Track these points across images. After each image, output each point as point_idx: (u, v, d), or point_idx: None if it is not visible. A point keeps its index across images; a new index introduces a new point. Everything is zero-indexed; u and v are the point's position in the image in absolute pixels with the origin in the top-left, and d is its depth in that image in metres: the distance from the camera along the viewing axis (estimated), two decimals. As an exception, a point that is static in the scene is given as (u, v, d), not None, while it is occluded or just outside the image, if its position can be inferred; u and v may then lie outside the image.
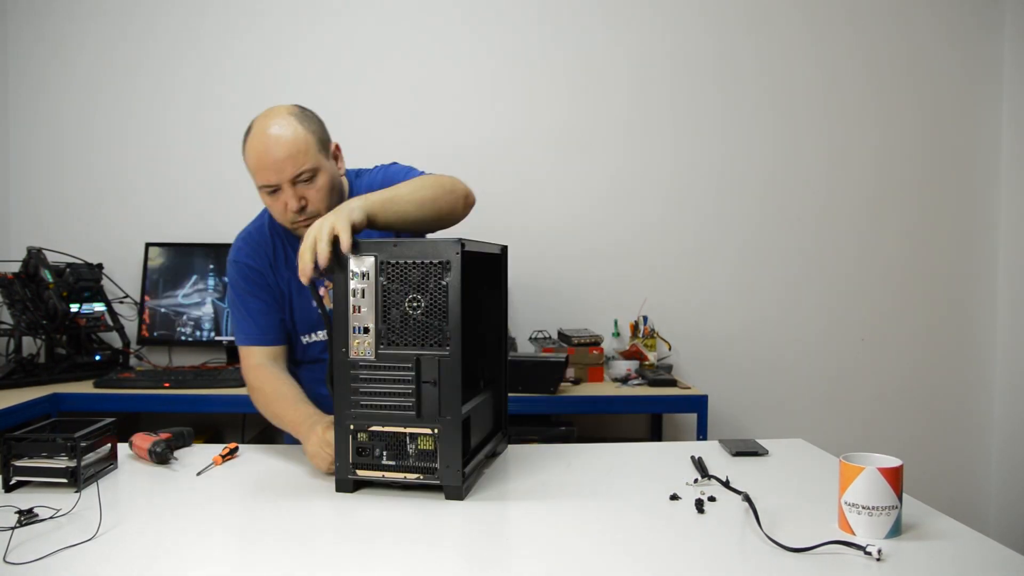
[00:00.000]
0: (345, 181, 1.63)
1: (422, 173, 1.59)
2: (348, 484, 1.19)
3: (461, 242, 1.15)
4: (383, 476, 1.18)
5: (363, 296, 1.18)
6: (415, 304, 1.16)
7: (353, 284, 1.18)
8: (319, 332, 1.59)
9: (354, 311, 1.19)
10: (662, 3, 2.77)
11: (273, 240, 1.58)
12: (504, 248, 1.50)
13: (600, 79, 2.77)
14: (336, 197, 1.52)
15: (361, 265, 1.18)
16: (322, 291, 1.51)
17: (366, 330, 1.18)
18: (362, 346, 1.19)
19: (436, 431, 1.16)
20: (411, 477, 1.17)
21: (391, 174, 1.62)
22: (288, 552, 1.00)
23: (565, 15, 2.76)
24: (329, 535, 1.05)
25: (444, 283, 1.14)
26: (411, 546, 1.00)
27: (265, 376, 1.52)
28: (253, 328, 1.57)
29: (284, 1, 2.73)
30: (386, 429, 1.17)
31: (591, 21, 2.76)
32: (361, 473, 1.18)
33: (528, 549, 1.01)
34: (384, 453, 1.18)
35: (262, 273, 1.58)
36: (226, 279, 1.57)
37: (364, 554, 0.98)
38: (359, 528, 1.07)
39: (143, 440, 1.38)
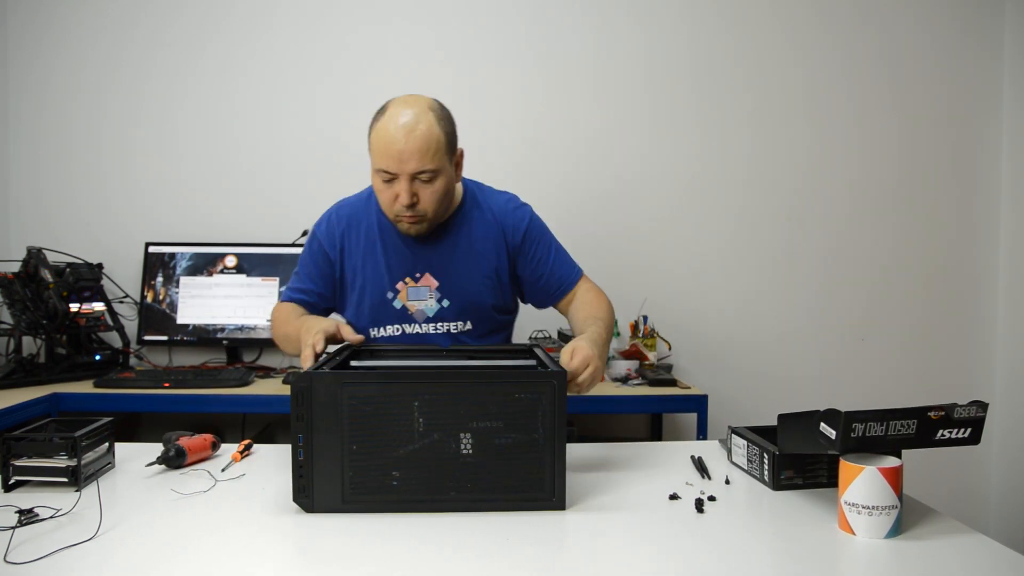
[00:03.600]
0: (460, 188, 1.66)
1: (557, 243, 1.70)
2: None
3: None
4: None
5: None
6: None
7: None
8: (388, 327, 1.60)
9: None
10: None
11: (367, 219, 1.62)
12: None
13: (605, 77, 2.77)
14: (447, 203, 1.54)
15: None
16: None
17: None
18: None
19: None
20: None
21: (534, 231, 1.66)
22: (290, 550, 1.00)
23: (575, 11, 2.75)
24: (334, 535, 1.05)
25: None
26: (420, 547, 1.00)
27: (278, 309, 1.63)
28: (295, 287, 1.66)
29: (289, 5, 2.73)
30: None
31: (599, 18, 2.76)
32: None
33: (528, 548, 1.01)
34: None
35: (327, 255, 1.63)
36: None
37: (365, 551, 0.98)
38: (363, 532, 1.07)
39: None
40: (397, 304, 1.60)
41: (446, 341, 1.61)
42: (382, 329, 1.60)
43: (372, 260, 1.60)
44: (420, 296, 1.59)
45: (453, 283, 1.60)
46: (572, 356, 1.29)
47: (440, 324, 1.60)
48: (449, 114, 1.52)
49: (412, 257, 1.60)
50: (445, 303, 1.60)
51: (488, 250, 1.63)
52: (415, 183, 1.45)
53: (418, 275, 1.60)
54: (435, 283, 1.60)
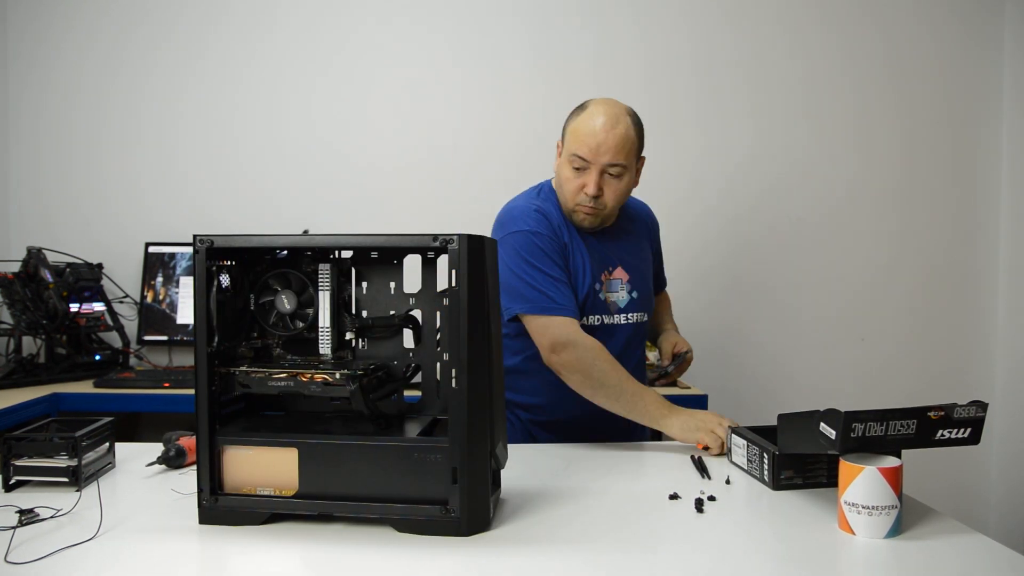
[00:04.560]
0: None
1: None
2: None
3: None
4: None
5: None
6: None
7: None
8: (591, 317, 1.66)
9: None
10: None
11: (556, 216, 1.65)
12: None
13: (605, 76, 2.77)
14: (623, 202, 1.66)
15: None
16: None
17: None
18: None
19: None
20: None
21: (660, 243, 1.95)
22: (290, 550, 1.00)
23: (575, 10, 2.75)
24: (334, 534, 1.05)
25: None
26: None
27: (591, 345, 1.50)
28: (562, 300, 1.54)
29: (289, 5, 2.73)
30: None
31: (600, 18, 2.76)
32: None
33: (527, 549, 1.01)
34: None
35: (563, 247, 1.63)
36: (508, 251, 1.60)
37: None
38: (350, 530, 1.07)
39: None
40: (602, 296, 1.68)
41: (630, 331, 1.72)
42: (586, 319, 1.66)
43: (580, 254, 1.65)
44: (614, 288, 1.70)
45: (639, 276, 1.74)
46: (676, 345, 1.87)
47: (630, 315, 1.71)
48: (641, 122, 1.64)
49: (604, 251, 1.70)
50: (635, 294, 1.73)
51: (647, 247, 1.83)
52: (605, 176, 1.55)
53: (611, 268, 1.70)
54: (626, 276, 1.72)
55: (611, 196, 1.58)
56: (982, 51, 2.82)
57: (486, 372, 1.06)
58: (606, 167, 1.55)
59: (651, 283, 1.81)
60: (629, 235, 1.77)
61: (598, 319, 1.68)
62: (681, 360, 1.84)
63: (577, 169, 1.56)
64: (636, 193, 1.82)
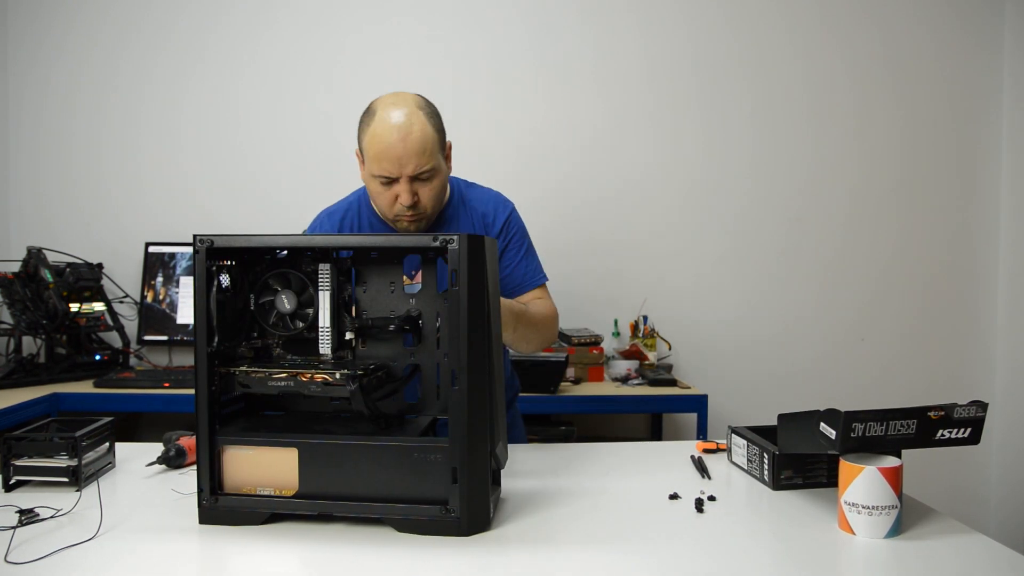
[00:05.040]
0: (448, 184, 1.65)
1: (530, 247, 1.68)
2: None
3: None
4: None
5: None
6: None
7: None
8: None
9: None
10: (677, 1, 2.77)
11: (358, 223, 1.60)
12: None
13: (606, 77, 2.77)
14: (443, 199, 1.55)
15: None
16: None
17: None
18: None
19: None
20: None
21: (512, 226, 1.66)
22: (291, 549, 1.00)
23: (576, 11, 2.75)
24: (333, 535, 1.05)
25: None
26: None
27: None
28: None
29: (289, 6, 2.73)
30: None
31: (600, 18, 2.76)
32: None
33: (527, 549, 1.01)
34: None
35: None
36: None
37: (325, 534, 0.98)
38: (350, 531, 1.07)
39: None
40: None
41: None
42: None
43: None
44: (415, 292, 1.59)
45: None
46: None
47: None
48: (435, 109, 1.51)
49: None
50: None
51: None
52: (414, 183, 1.46)
53: (413, 272, 1.60)
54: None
55: (428, 198, 1.48)
56: (982, 51, 2.82)
57: (486, 372, 1.06)
58: (413, 176, 1.45)
59: None
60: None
61: None
62: None
63: (385, 183, 1.46)
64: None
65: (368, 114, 1.48)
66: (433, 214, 1.55)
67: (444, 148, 1.52)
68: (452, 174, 1.63)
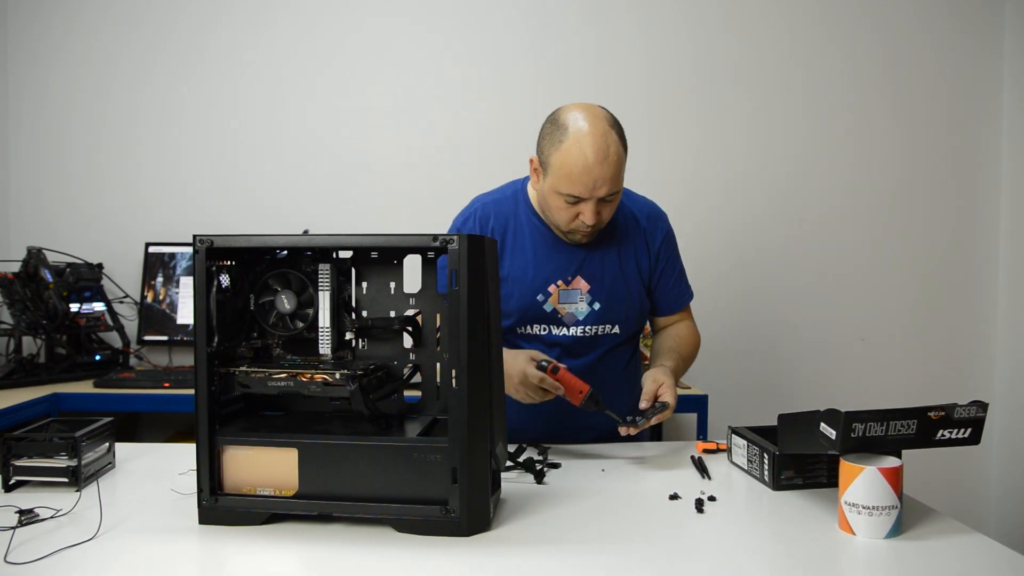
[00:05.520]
0: None
1: (680, 258, 1.76)
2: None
3: None
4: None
5: None
6: None
7: None
8: (535, 327, 1.58)
9: None
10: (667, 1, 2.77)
11: (515, 218, 1.59)
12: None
13: (600, 78, 2.77)
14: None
15: None
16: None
17: None
18: None
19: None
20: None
21: (671, 240, 1.73)
22: (291, 549, 1.00)
23: (577, 10, 2.75)
24: (334, 535, 1.05)
25: None
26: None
27: None
28: None
29: (289, 5, 2.73)
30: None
31: (601, 18, 2.76)
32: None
33: (527, 549, 1.01)
34: None
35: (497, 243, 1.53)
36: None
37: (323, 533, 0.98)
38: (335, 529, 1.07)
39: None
40: (548, 307, 1.57)
41: (593, 344, 1.60)
42: (529, 328, 1.58)
43: (521, 260, 1.57)
44: (571, 299, 1.58)
45: (604, 286, 1.59)
46: (660, 389, 1.46)
47: (589, 328, 1.58)
48: (620, 123, 1.49)
49: (563, 259, 1.58)
50: (596, 306, 1.59)
51: (634, 255, 1.63)
52: (600, 203, 1.44)
53: (570, 277, 1.59)
54: (586, 286, 1.58)
55: (608, 216, 1.50)
56: (982, 52, 2.82)
57: (486, 372, 1.06)
58: (603, 197, 1.44)
59: (628, 295, 1.61)
60: (604, 242, 1.60)
61: (545, 329, 1.57)
62: (654, 413, 1.42)
63: (571, 202, 1.45)
64: (645, 189, 1.74)
65: (558, 128, 1.45)
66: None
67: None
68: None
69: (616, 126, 1.46)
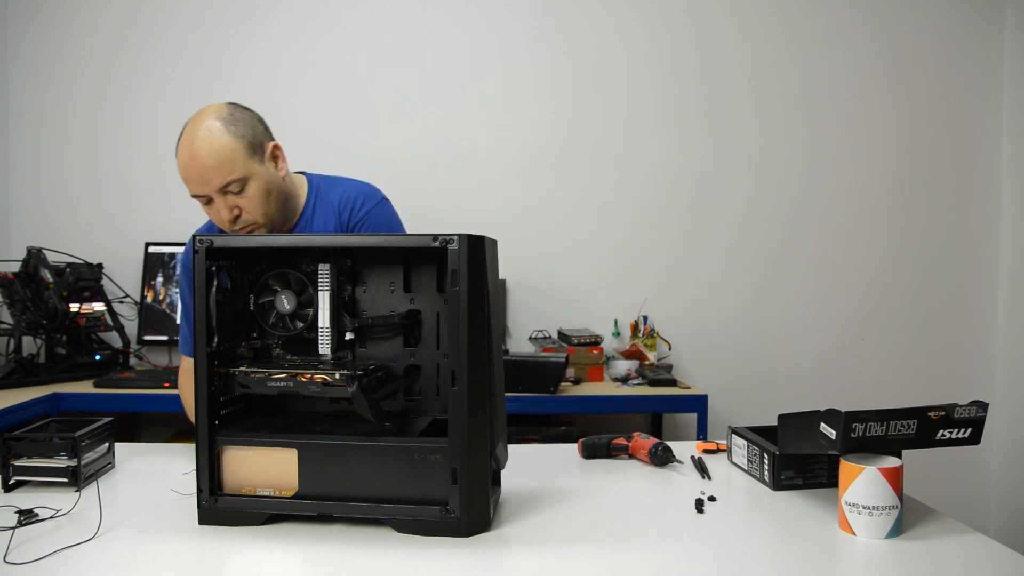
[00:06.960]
0: (299, 181, 1.59)
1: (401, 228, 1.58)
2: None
3: None
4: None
5: None
6: None
7: None
8: None
9: None
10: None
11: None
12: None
13: (601, 78, 2.77)
14: (277, 202, 1.46)
15: None
16: None
17: None
18: None
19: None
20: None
21: (374, 219, 1.56)
22: (291, 549, 1.00)
23: (578, 10, 2.75)
24: (333, 535, 1.05)
25: None
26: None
27: (186, 375, 1.53)
28: (188, 335, 1.52)
29: (288, 5, 2.73)
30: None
31: (603, 19, 2.76)
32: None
33: (527, 549, 1.01)
34: None
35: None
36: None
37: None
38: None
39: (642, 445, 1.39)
40: None
41: None
42: None
43: None
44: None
45: None
46: None
47: None
48: (244, 114, 1.45)
49: None
50: None
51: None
52: (228, 197, 1.41)
53: None
54: None
55: (251, 208, 1.42)
56: (983, 51, 2.82)
57: (486, 372, 1.06)
58: (223, 189, 1.39)
59: None
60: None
61: None
62: None
63: (206, 204, 1.43)
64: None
65: (179, 136, 1.45)
66: (272, 220, 1.47)
67: (260, 153, 1.45)
68: (322, 170, 1.58)
69: (227, 118, 1.42)
